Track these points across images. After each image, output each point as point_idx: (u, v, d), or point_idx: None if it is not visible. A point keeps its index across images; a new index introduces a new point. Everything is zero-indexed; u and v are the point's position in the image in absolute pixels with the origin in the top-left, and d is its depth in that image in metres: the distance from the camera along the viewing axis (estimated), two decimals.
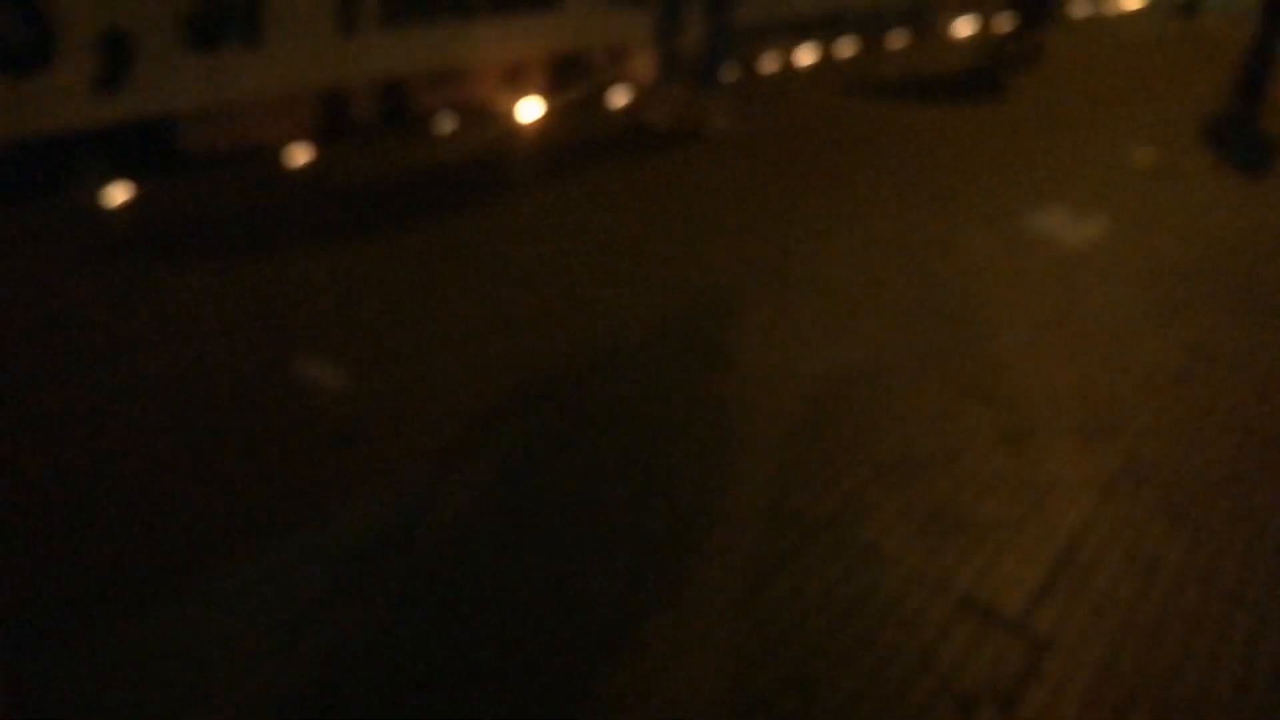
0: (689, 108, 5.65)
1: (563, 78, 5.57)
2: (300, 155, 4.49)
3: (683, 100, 5.59)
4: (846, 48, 7.39)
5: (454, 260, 3.85)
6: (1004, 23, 7.29)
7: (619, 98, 5.78)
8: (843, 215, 4.56)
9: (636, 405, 3.04)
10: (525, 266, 3.83)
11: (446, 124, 5.06)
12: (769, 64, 6.82)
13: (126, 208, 3.95)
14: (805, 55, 7.06)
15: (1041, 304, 3.89)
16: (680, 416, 2.97)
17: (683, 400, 3.07)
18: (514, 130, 5.22)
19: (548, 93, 5.48)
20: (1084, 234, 4.62)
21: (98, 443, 2.58)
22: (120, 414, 2.71)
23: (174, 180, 4.14)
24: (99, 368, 2.97)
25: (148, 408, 2.75)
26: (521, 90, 5.36)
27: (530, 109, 5.34)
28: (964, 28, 8.30)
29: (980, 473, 2.75)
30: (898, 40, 7.81)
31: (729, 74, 5.70)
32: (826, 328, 3.51)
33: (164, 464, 2.52)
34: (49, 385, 2.86)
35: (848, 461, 2.79)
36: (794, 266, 3.98)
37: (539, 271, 3.80)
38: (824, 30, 7.26)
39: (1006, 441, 2.97)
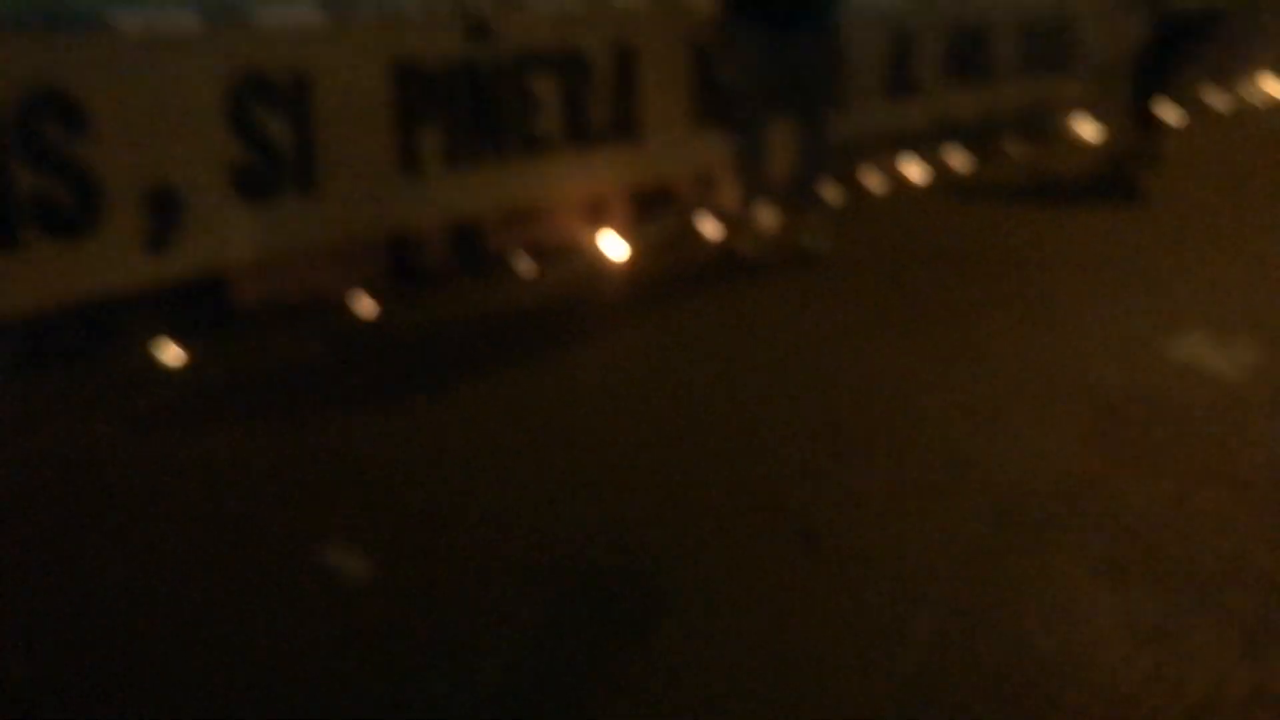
0: (786, 232, 5.26)
1: (647, 210, 5.26)
2: (363, 305, 4.24)
3: (774, 226, 5.21)
4: (957, 158, 6.93)
5: (521, 421, 3.48)
6: (1129, 120, 6.72)
7: (708, 227, 5.43)
8: (956, 350, 4.05)
9: (717, 588, 2.59)
10: (600, 427, 3.43)
11: (522, 265, 4.78)
12: (872, 179, 6.40)
13: (177, 370, 3.74)
14: (912, 168, 6.63)
15: (1193, 453, 3.29)
16: (765, 612, 2.51)
17: (766, 589, 2.60)
18: (595, 269, 4.91)
19: (631, 227, 5.17)
20: (1240, 361, 3.99)
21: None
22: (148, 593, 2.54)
23: (226, 338, 3.92)
24: (130, 542, 2.77)
25: (176, 590, 2.59)
26: (603, 226, 5.07)
27: (612, 245, 5.03)
28: (1086, 129, 7.74)
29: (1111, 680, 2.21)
30: (1014, 147, 7.31)
31: (828, 193, 5.30)
32: (931, 501, 2.99)
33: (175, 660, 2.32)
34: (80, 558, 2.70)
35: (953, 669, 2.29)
36: (896, 420, 3.47)
37: (614, 433, 3.40)
38: (931, 140, 6.83)
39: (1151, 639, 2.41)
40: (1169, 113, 6.88)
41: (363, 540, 2.78)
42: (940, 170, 6.74)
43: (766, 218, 5.17)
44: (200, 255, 3.83)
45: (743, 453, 3.27)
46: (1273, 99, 9.41)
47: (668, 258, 5.08)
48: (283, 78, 3.89)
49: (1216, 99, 9.00)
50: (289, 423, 3.42)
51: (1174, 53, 6.38)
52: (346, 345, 4.04)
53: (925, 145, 6.77)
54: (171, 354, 3.77)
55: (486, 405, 3.60)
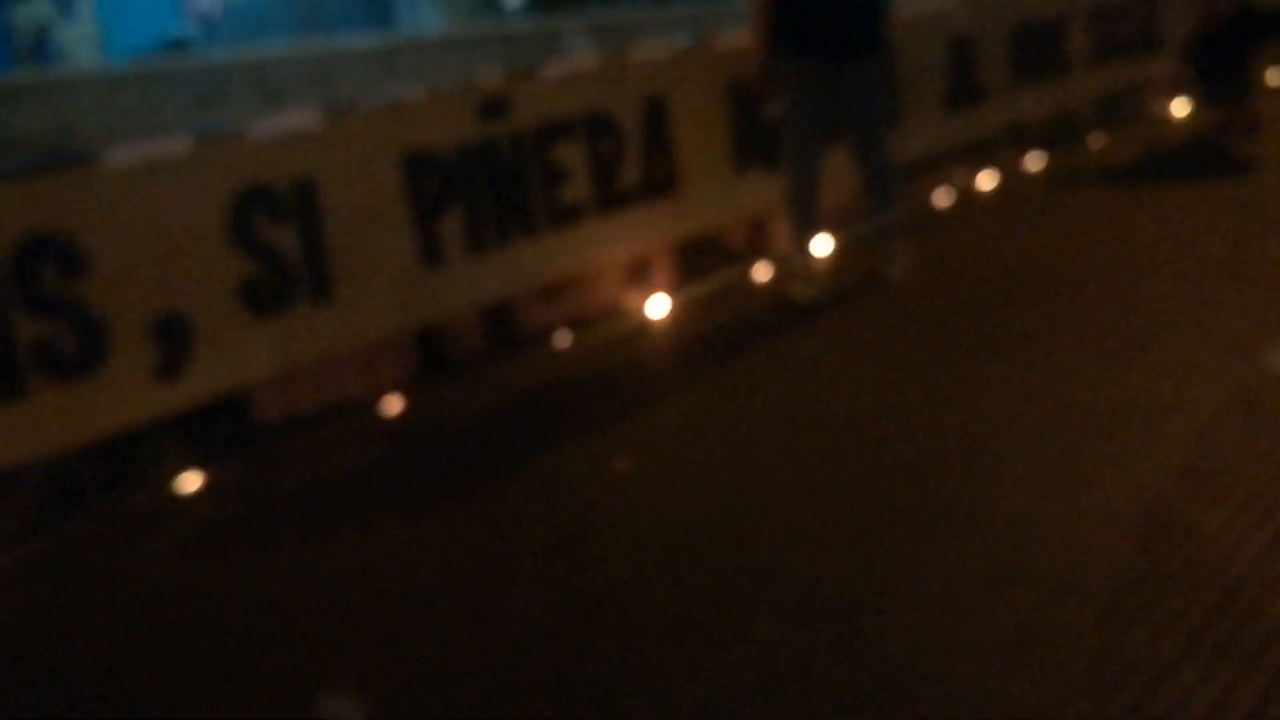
0: (850, 266, 4.94)
1: (695, 263, 4.99)
2: (390, 405, 4.08)
3: (828, 264, 4.89)
4: (1034, 162, 6.47)
5: (560, 511, 3.26)
6: (1211, 94, 6.19)
7: (761, 273, 5.13)
8: (1033, 380, 3.69)
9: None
10: (649, 523, 3.18)
11: (559, 338, 4.56)
12: (940, 196, 6.00)
13: (200, 495, 3.63)
14: (986, 179, 6.20)
15: None
16: None
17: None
18: (640, 333, 4.66)
19: (678, 284, 4.91)
20: None
21: None
22: None
23: (248, 457, 3.80)
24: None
25: None
26: (648, 287, 4.82)
27: (658, 306, 4.77)
28: (1177, 107, 7.16)
29: None
30: (1095, 139, 6.80)
31: (897, 217, 4.96)
32: (1006, 567, 2.65)
33: None
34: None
35: None
36: (971, 471, 3.14)
37: (665, 527, 3.15)
38: (1004, 146, 6.39)
39: None
40: (1265, 76, 6.30)
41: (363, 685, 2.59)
42: (1015, 176, 6.30)
43: (820, 256, 4.86)
44: (215, 378, 3.70)
45: (806, 542, 2.98)
46: None
47: (719, 311, 4.81)
48: (284, 186, 3.76)
49: None
50: (305, 543, 3.27)
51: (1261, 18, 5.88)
52: (374, 449, 3.88)
53: (997, 152, 6.33)
54: (191, 482, 3.65)
55: (521, 497, 3.39)
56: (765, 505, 3.20)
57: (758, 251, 5.20)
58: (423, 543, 3.22)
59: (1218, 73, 6.10)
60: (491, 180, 4.24)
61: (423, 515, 3.38)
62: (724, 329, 4.64)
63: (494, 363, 4.39)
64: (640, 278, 4.83)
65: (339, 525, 3.38)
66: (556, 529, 3.21)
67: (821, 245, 4.85)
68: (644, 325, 4.71)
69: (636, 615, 2.75)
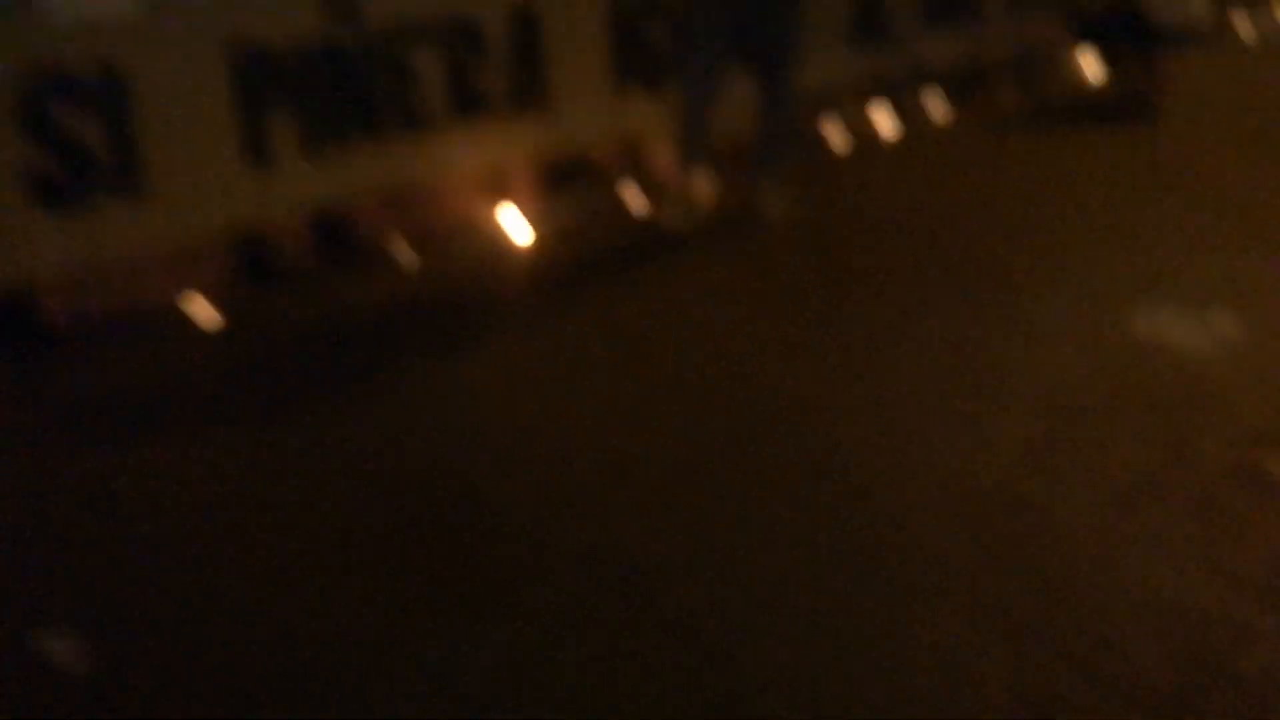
0: (730, 199, 4.72)
1: (562, 185, 4.73)
2: (203, 313, 3.80)
3: (711, 194, 4.66)
4: (937, 108, 6.26)
5: (373, 451, 3.02)
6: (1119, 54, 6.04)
7: (635, 201, 4.89)
8: (889, 340, 3.54)
9: None
10: (473, 459, 2.96)
11: (403, 255, 4.29)
12: (837, 136, 5.78)
13: None
14: (884, 121, 5.99)
15: (1145, 455, 2.77)
16: None
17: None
18: (492, 253, 4.41)
19: (540, 204, 4.65)
20: (1213, 338, 3.41)
21: None
22: None
23: (33, 359, 3.52)
24: None
25: None
26: (506, 205, 4.55)
27: (515, 226, 4.52)
28: (1088, 64, 6.98)
29: None
30: (1003, 91, 6.61)
31: (788, 153, 4.74)
32: (831, 537, 2.49)
33: None
34: None
35: None
36: (807, 430, 2.97)
37: (491, 464, 2.94)
38: (908, 90, 6.17)
39: None
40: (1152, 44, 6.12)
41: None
42: (915, 121, 6.09)
43: (703, 185, 4.63)
44: None
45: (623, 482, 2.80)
46: None
47: (582, 236, 4.57)
48: (90, 74, 3.43)
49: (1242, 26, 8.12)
50: (91, 453, 3.03)
51: None
52: (181, 357, 3.62)
53: (899, 95, 6.11)
54: None
55: (335, 416, 3.17)
56: (594, 449, 3.02)
57: (631, 176, 4.94)
58: (229, 454, 3.03)
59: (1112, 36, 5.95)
60: (334, 81, 3.93)
61: (230, 427, 3.16)
62: (585, 255, 4.42)
63: (325, 275, 4.12)
64: (499, 194, 4.56)
65: (130, 436, 3.15)
66: (371, 453, 3.00)
67: (706, 175, 4.62)
68: (497, 245, 4.46)
69: (446, 547, 2.56)
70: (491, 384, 3.44)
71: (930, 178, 5.29)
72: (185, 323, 3.78)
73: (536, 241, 4.49)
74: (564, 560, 2.54)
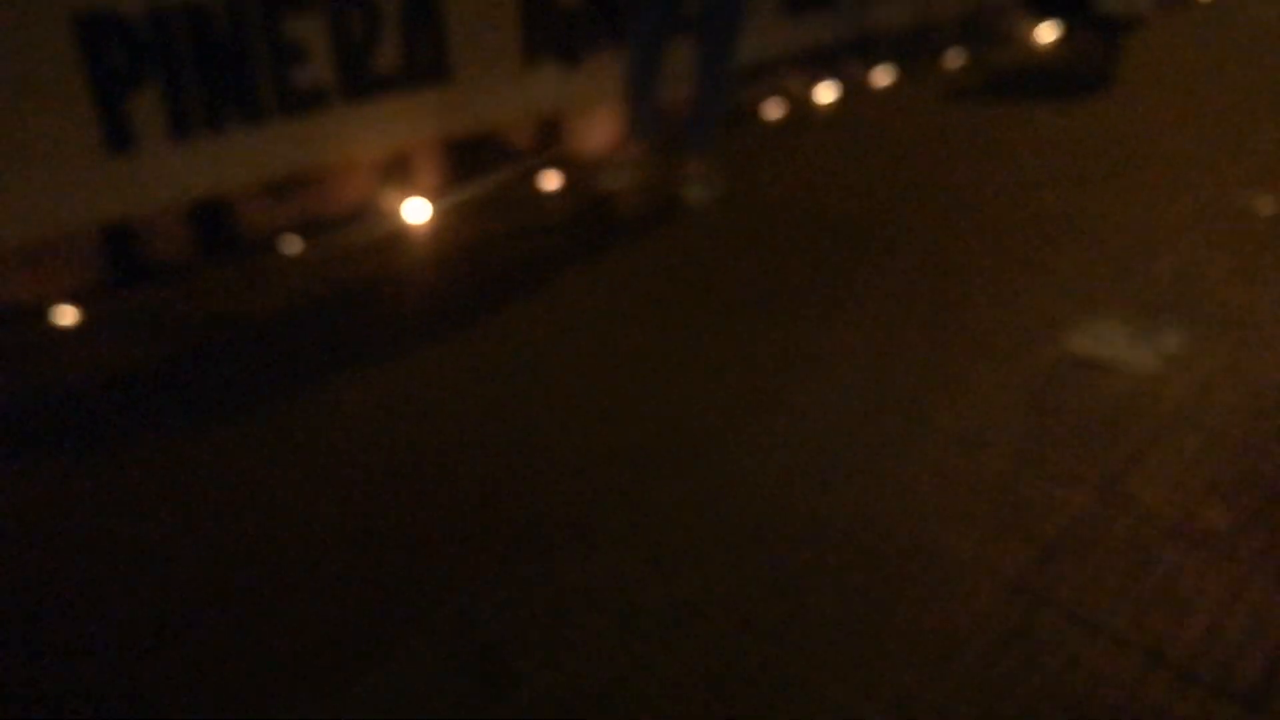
0: (660, 179, 4.43)
1: (469, 164, 4.40)
2: (62, 314, 3.47)
3: (648, 163, 4.38)
4: (881, 77, 5.95)
5: (239, 470, 2.73)
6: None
7: (549, 180, 4.57)
8: (808, 352, 3.25)
9: None
10: (351, 476, 2.69)
11: (293, 245, 3.96)
12: (776, 109, 5.47)
13: None
14: (825, 92, 5.68)
15: (1073, 500, 2.51)
16: None
17: None
18: (389, 241, 4.09)
19: (443, 187, 4.33)
20: (1163, 359, 3.15)
21: None
22: None
23: None
24: None
25: None
26: (406, 189, 4.23)
27: (415, 210, 4.19)
28: (1040, 29, 6.68)
29: None
30: (951, 58, 6.30)
31: (719, 131, 4.44)
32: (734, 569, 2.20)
33: None
34: None
35: None
36: (712, 457, 2.65)
37: (388, 467, 2.66)
38: (851, 58, 5.85)
39: None
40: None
41: None
42: (858, 91, 5.78)
43: (642, 153, 4.35)
44: None
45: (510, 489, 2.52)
46: None
47: (490, 219, 4.25)
48: None
49: None
50: None
51: None
52: (39, 366, 3.29)
53: (841, 63, 5.79)
54: None
55: (212, 436, 2.86)
56: (470, 476, 2.73)
57: (545, 156, 4.62)
58: (92, 472, 2.71)
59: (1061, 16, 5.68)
60: (201, 55, 3.56)
61: (92, 442, 2.85)
62: (492, 241, 4.10)
63: (203, 270, 3.79)
64: (398, 178, 4.23)
65: None
66: (225, 483, 2.70)
67: (645, 148, 4.34)
68: (396, 232, 4.14)
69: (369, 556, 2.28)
70: (366, 395, 3.14)
71: (871, 157, 4.99)
72: (45, 326, 3.44)
73: (438, 229, 4.17)
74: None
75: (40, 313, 3.46)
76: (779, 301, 3.59)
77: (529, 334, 3.42)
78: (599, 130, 4.80)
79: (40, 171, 3.33)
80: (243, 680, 2.08)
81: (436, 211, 4.24)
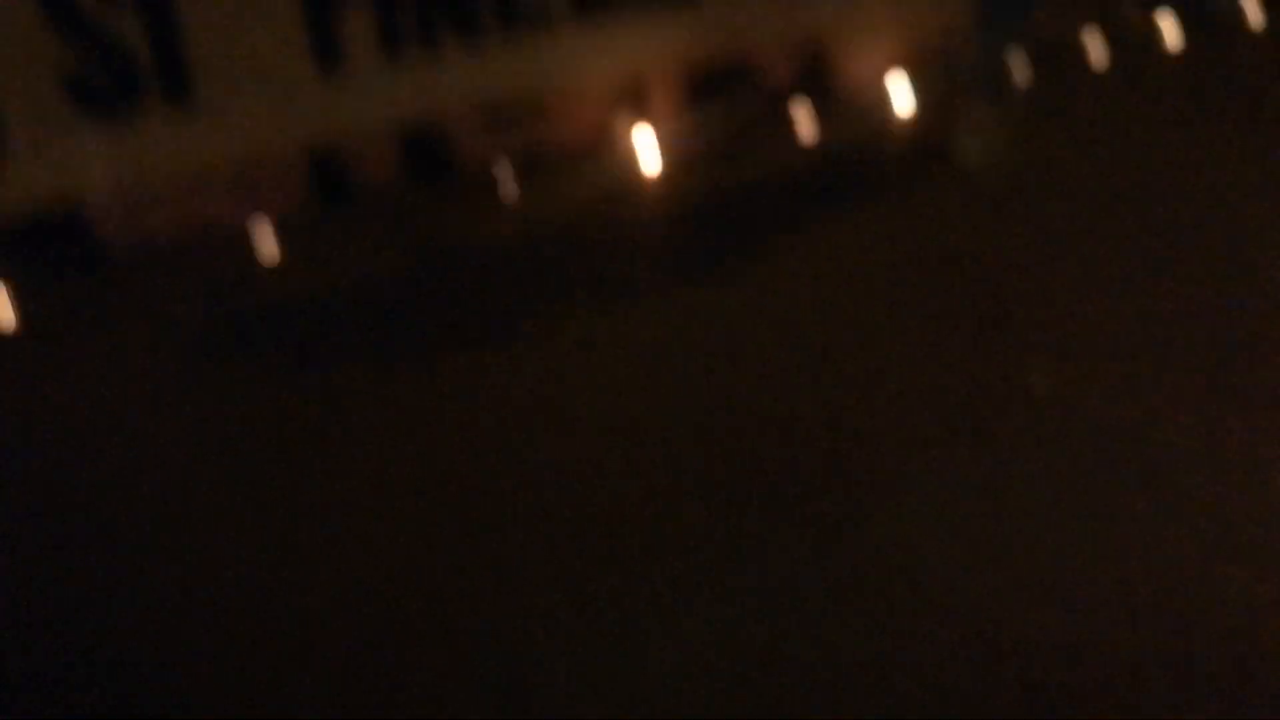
0: (945, 130, 3.78)
1: (710, 96, 3.95)
2: (267, 244, 3.40)
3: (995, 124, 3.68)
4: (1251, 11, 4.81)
5: (449, 433, 2.49)
6: None
7: (805, 121, 4.02)
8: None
9: None
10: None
11: (505, 181, 3.69)
12: (1097, 50, 4.55)
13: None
14: (1172, 29, 4.67)
15: None
16: None
17: None
18: (619, 183, 3.73)
19: (681, 124, 3.90)
20: None
21: None
22: None
23: (84, 286, 3.25)
24: None
25: None
26: (641, 122, 3.84)
27: (648, 149, 3.80)
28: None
29: None
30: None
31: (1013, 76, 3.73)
32: None
33: None
34: None
35: None
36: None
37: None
38: None
39: None
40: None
41: None
42: (1219, 35, 4.70)
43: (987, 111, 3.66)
44: (38, 187, 3.13)
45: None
46: None
47: (732, 169, 3.78)
48: None
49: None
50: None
51: None
52: (238, 297, 3.25)
53: None
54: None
55: (403, 399, 2.67)
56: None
57: (808, 88, 4.06)
58: (295, 417, 2.61)
59: None
60: None
61: (293, 384, 2.75)
62: (730, 195, 3.63)
63: (414, 201, 3.60)
64: (631, 109, 3.84)
65: (175, 382, 2.81)
66: (437, 446, 2.48)
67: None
68: (625, 174, 3.77)
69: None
70: (575, 353, 2.81)
71: (1214, 120, 3.98)
72: (249, 250, 3.39)
73: (672, 171, 3.76)
74: None
75: (245, 234, 3.40)
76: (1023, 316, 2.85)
77: (759, 301, 2.95)
78: (875, 61, 4.17)
79: (246, 90, 3.24)
80: None
81: (671, 150, 3.82)
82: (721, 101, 3.92)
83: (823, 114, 4.00)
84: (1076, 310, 2.78)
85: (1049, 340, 2.67)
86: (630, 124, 3.81)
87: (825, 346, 2.73)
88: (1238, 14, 4.24)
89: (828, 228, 3.37)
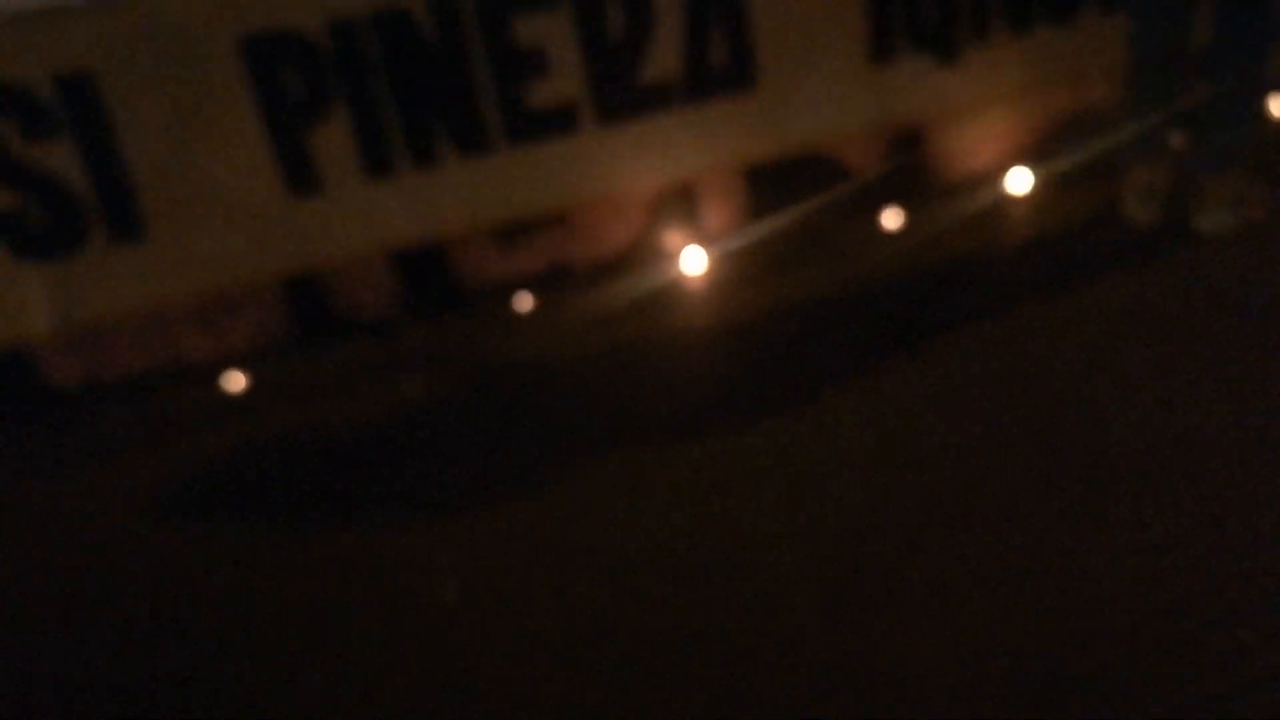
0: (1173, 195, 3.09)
1: (782, 193, 3.29)
2: (231, 378, 2.99)
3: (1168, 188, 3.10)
4: None
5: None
6: None
7: (891, 217, 3.31)
8: None
9: None
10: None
11: (524, 302, 3.16)
12: None
13: None
14: None
15: None
16: None
17: None
18: (660, 299, 3.15)
19: (735, 228, 3.27)
20: None
21: None
22: None
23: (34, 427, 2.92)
24: None
25: None
26: (689, 230, 3.24)
27: (695, 260, 3.20)
28: None
29: None
30: None
31: (1246, 135, 3.00)
32: None
33: None
34: None
35: None
36: None
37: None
38: None
39: None
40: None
41: None
42: None
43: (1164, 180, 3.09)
44: None
45: None
46: None
47: (809, 275, 3.15)
48: (44, 88, 2.61)
49: None
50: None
51: None
52: (202, 435, 2.87)
53: None
54: None
55: (392, 557, 2.28)
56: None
57: (894, 183, 3.35)
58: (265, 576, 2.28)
59: None
60: (401, 71, 2.81)
61: (262, 536, 2.40)
62: (811, 305, 3.02)
63: (411, 327, 3.12)
64: (678, 217, 3.24)
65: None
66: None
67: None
68: (670, 288, 3.18)
69: None
70: (644, 504, 2.33)
71: None
72: (215, 388, 2.99)
73: (729, 280, 3.16)
74: None
75: (214, 375, 2.99)
76: None
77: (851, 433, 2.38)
78: (976, 147, 3.41)
79: (196, 223, 2.80)
80: None
81: (724, 257, 3.20)
82: (791, 203, 3.26)
83: (918, 213, 3.29)
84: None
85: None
86: (677, 235, 3.21)
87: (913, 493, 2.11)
88: None
89: (915, 353, 2.72)
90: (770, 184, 3.26)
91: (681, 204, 3.22)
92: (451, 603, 2.15)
